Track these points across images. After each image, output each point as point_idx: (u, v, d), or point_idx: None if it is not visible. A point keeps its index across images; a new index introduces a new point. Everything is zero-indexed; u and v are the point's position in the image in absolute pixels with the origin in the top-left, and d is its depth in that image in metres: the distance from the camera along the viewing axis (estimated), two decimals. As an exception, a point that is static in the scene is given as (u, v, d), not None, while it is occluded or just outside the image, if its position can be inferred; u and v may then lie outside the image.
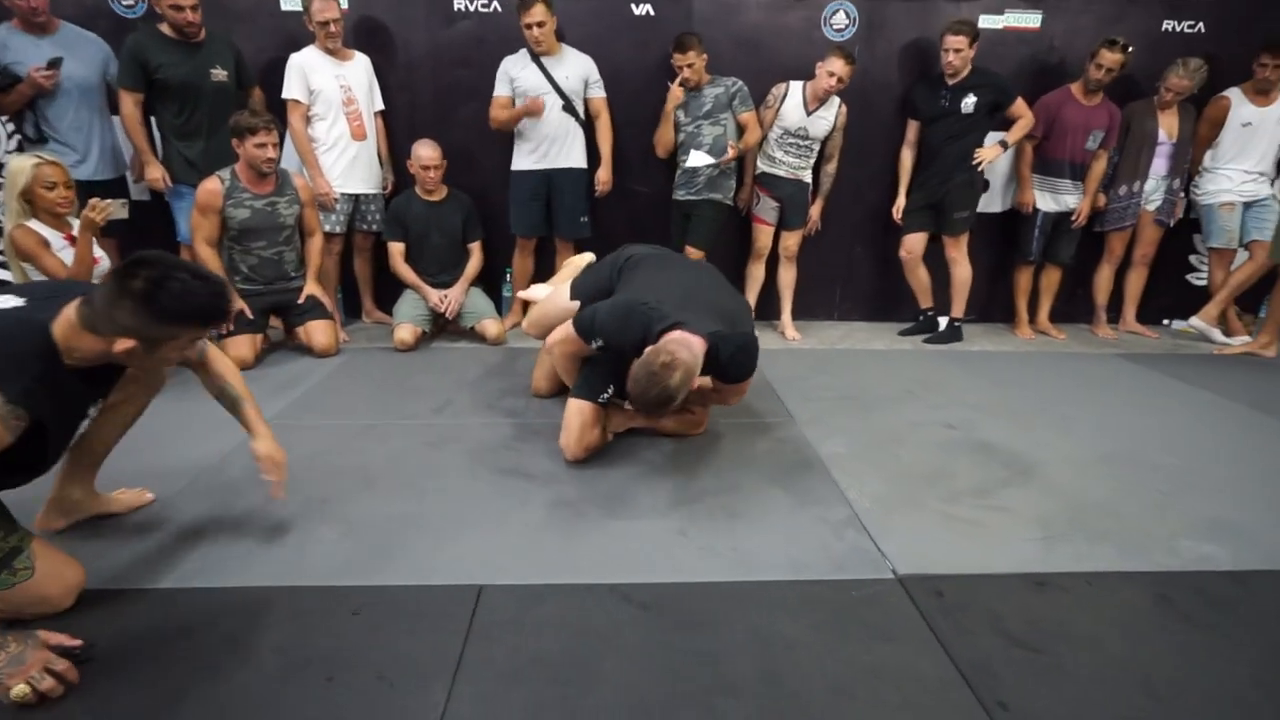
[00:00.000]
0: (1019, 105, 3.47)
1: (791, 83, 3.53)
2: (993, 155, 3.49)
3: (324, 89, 3.34)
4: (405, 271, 3.50)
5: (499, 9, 3.62)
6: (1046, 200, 3.71)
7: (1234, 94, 3.61)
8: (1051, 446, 2.39)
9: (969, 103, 3.45)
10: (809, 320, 4.03)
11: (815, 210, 3.74)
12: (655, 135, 3.60)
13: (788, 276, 3.79)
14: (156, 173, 3.25)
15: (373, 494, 2.00)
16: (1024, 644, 1.44)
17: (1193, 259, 4.10)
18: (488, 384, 2.94)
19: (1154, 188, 3.72)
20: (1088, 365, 3.41)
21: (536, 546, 1.77)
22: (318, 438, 2.35)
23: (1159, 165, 3.68)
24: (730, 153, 3.44)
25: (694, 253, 3.60)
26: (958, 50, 3.36)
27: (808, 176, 3.65)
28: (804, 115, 3.50)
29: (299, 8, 3.37)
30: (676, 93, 3.44)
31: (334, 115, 3.39)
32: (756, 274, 3.80)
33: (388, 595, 1.56)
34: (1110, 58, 3.41)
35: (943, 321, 3.79)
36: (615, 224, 3.78)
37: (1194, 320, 3.82)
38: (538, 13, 3.29)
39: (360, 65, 3.47)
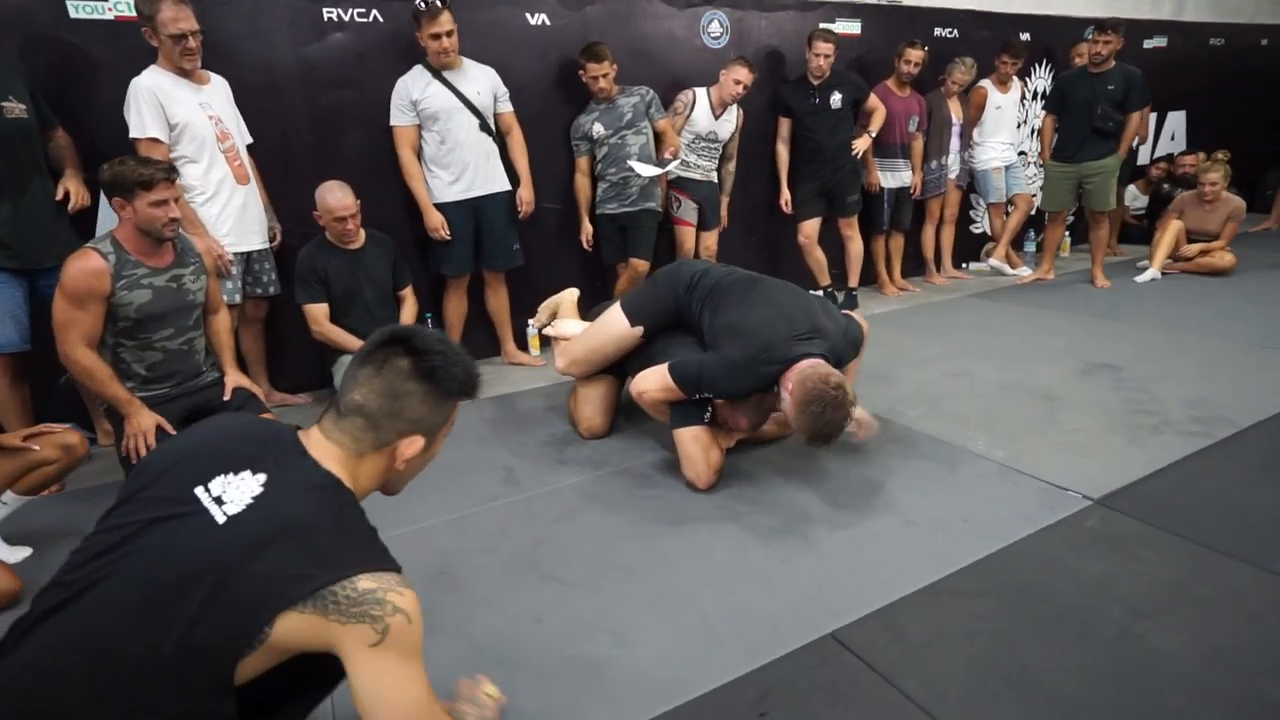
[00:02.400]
0: (872, 99, 4.06)
1: (697, 89, 3.66)
2: (865, 144, 4.04)
3: (189, 122, 2.56)
4: (340, 334, 2.87)
5: (379, 18, 3.12)
6: (888, 178, 4.39)
7: (987, 84, 4.65)
8: (1042, 373, 2.94)
9: (837, 99, 3.93)
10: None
11: (723, 208, 3.93)
12: (576, 185, 3.55)
13: None
14: None
15: (581, 591, 1.70)
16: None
17: (972, 213, 5.20)
18: (520, 439, 2.61)
19: (953, 160, 4.64)
20: (958, 307, 4.18)
21: (839, 577, 1.70)
22: (412, 550, 1.89)
23: (955, 142, 4.60)
24: (675, 162, 3.47)
25: (640, 265, 3.56)
26: (827, 55, 3.81)
27: (716, 177, 3.83)
28: (712, 120, 3.66)
29: (98, 14, 2.54)
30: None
31: (209, 156, 2.62)
32: None
33: (782, 675, 1.39)
34: (915, 55, 4.16)
35: (840, 295, 4.29)
36: (529, 246, 3.52)
37: (992, 261, 4.89)
38: (446, 21, 2.92)
39: (221, 90, 2.73)
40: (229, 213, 2.68)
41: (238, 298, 2.74)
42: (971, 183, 4.86)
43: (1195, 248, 4.59)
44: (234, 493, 0.98)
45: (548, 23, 3.47)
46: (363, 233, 2.93)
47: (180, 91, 2.56)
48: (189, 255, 2.35)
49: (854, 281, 4.28)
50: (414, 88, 3.02)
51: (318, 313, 2.85)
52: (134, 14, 2.55)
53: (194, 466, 1.02)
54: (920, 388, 2.87)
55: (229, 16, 2.83)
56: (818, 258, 4.19)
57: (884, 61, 4.34)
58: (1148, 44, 5.58)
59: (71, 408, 2.76)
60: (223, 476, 1.00)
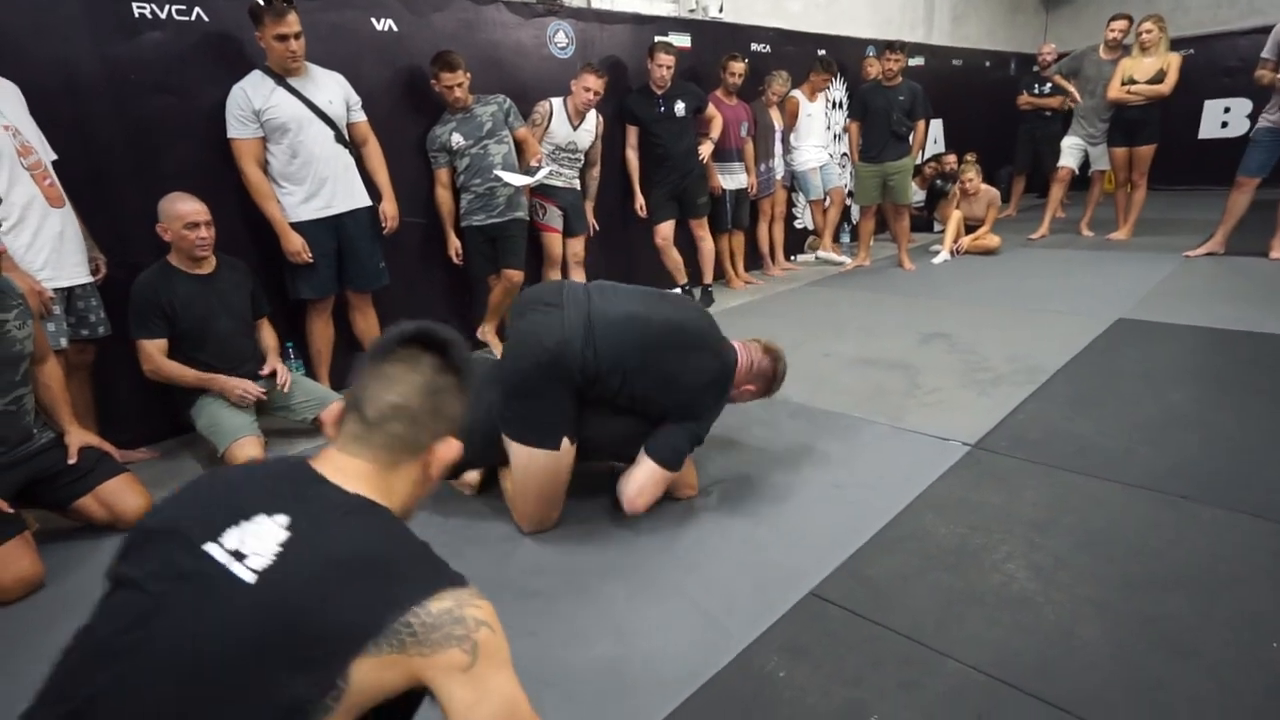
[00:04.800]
0: (711, 107, 4.35)
1: (553, 100, 3.70)
2: (709, 150, 4.32)
3: (-22, 135, 2.11)
4: (177, 369, 2.50)
5: (203, 17, 2.78)
6: (727, 181, 4.73)
7: (798, 94, 5.18)
8: (890, 346, 3.35)
9: (680, 108, 4.17)
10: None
11: (589, 214, 4.01)
12: (437, 198, 3.45)
13: (579, 280, 3.99)
14: None
15: (565, 600, 1.69)
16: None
17: (794, 210, 5.75)
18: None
19: (778, 162, 5.11)
20: (803, 295, 4.61)
21: (798, 542, 1.83)
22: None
23: (777, 146, 5.07)
24: (544, 169, 3.47)
25: (515, 275, 3.52)
26: (669, 66, 4.03)
27: (579, 185, 3.89)
28: (570, 130, 3.72)
29: None
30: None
31: (7, 174, 2.18)
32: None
33: (783, 636, 1.50)
34: (738, 67, 4.53)
35: (697, 292, 4.54)
36: (393, 263, 3.33)
37: (821, 252, 5.45)
38: (294, 21, 2.70)
39: (11, 96, 2.29)
40: (43, 241, 2.25)
41: (63, 341, 2.30)
42: (793, 182, 5.38)
43: (969, 238, 5.48)
44: (255, 543, 0.83)
45: (395, 29, 3.31)
46: (213, 255, 2.60)
47: (-43, 97, 2.10)
48: (9, 298, 1.95)
49: (708, 278, 4.56)
50: (255, 95, 2.73)
51: (152, 349, 2.48)
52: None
53: (194, 526, 0.87)
54: (798, 369, 3.11)
55: (9, 8, 2.37)
56: (674, 258, 4.40)
57: (710, 74, 4.66)
58: (911, 62, 6.54)
59: None
60: (235, 528, 0.86)
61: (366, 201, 3.07)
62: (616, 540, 1.92)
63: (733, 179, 4.73)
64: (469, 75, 3.28)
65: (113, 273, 2.57)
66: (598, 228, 4.09)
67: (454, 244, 3.52)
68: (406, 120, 3.40)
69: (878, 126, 4.86)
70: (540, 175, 3.46)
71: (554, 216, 3.79)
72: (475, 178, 3.40)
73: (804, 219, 5.78)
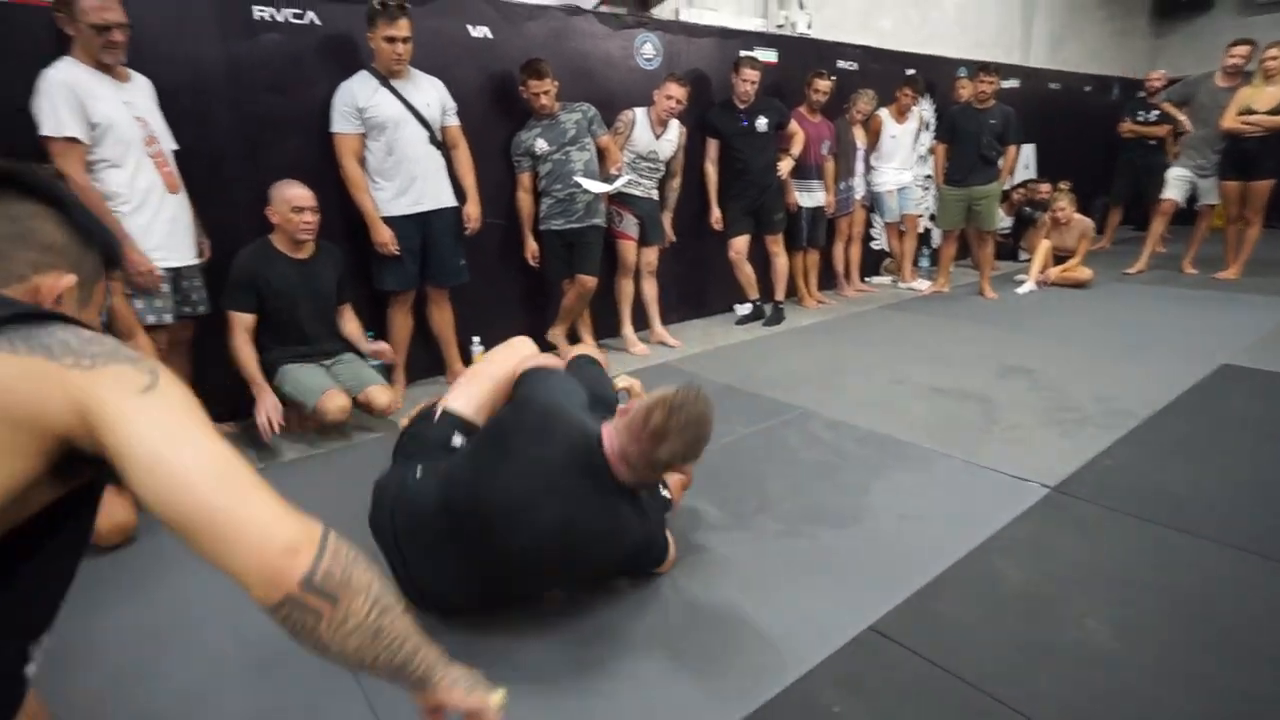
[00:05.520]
0: (793, 123, 4.31)
1: (637, 110, 3.74)
2: (789, 166, 4.27)
3: (113, 123, 2.29)
4: (248, 356, 2.62)
5: (315, 21, 2.94)
6: (805, 198, 4.66)
7: (884, 114, 5.07)
8: (968, 378, 3.23)
9: (763, 123, 4.15)
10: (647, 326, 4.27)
11: (665, 223, 4.02)
12: (518, 202, 3.54)
13: (651, 290, 4.00)
14: None
15: (622, 613, 1.68)
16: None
17: (871, 231, 5.62)
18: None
19: (858, 182, 5.01)
20: (876, 318, 4.50)
21: (858, 573, 1.78)
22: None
23: (859, 165, 4.97)
24: (623, 177, 3.51)
25: (588, 281, 3.55)
26: (753, 82, 4.01)
27: (657, 195, 3.92)
28: (652, 139, 3.75)
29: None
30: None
31: (135, 160, 2.36)
32: (628, 289, 3.93)
33: (839, 670, 1.46)
34: (823, 85, 4.47)
35: (768, 308, 4.49)
36: (472, 262, 3.41)
37: (902, 283, 5.30)
38: (405, 26, 2.83)
39: (143, 89, 2.47)
40: (158, 224, 2.42)
41: (167, 317, 2.46)
42: (872, 203, 5.26)
43: (1057, 269, 5.23)
44: None
45: (489, 36, 3.42)
46: (314, 240, 2.74)
47: (101, 88, 2.29)
48: None
49: (780, 294, 4.50)
50: (360, 94, 2.87)
51: (238, 323, 2.62)
52: (44, -2, 2.26)
53: None
54: (869, 394, 3.07)
55: (149, 9, 2.56)
56: (747, 273, 4.37)
57: (795, 90, 4.61)
58: (1005, 84, 6.31)
59: None
60: None
61: (453, 202, 3.18)
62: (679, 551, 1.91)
63: (810, 196, 4.66)
64: (557, 83, 3.36)
65: (217, 256, 2.73)
66: (674, 239, 4.09)
67: (531, 247, 3.60)
68: (495, 124, 3.50)
69: (966, 150, 4.71)
70: (619, 183, 3.50)
71: (630, 224, 3.82)
72: (556, 183, 3.47)
73: (882, 241, 5.65)
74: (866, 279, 5.51)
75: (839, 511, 2.11)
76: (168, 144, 2.51)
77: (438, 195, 3.11)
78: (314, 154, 2.95)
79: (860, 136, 4.93)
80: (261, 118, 2.88)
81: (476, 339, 3.59)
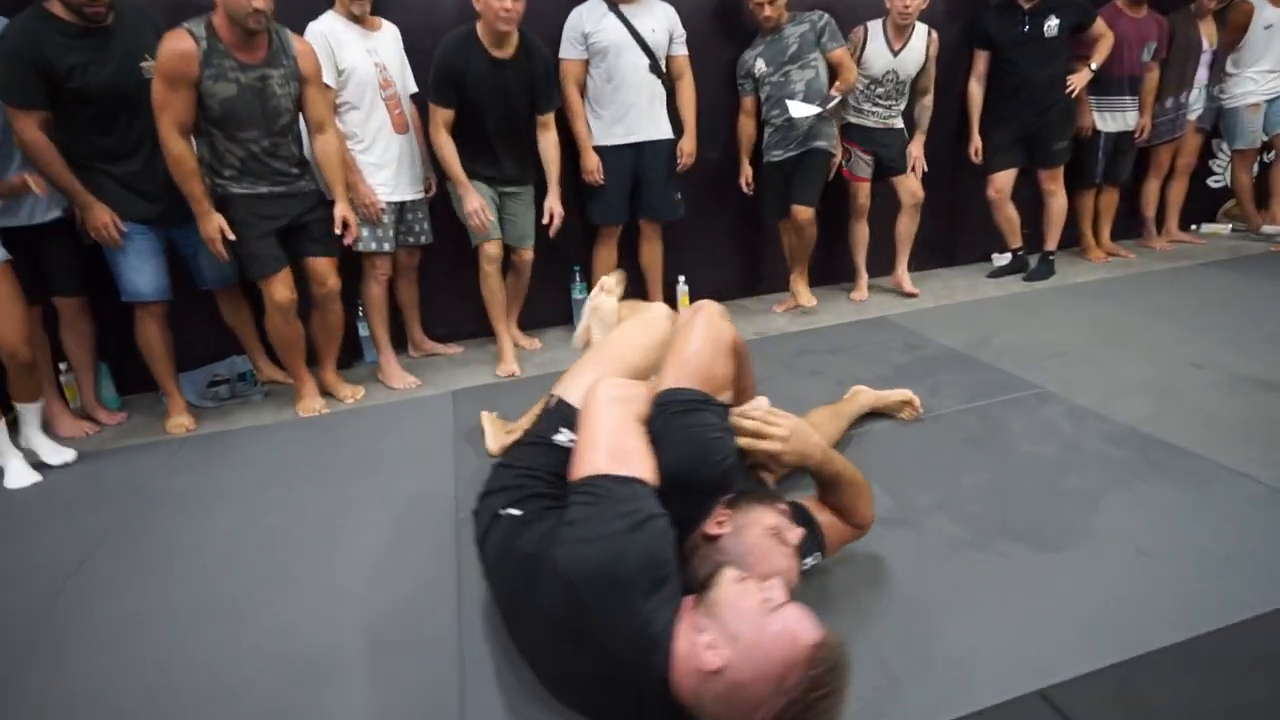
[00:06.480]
0: (1099, 24, 3.38)
1: (869, 24, 3.20)
2: (1085, 80, 3.39)
3: (355, 68, 2.56)
4: (449, 152, 2.60)
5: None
6: (1107, 121, 3.68)
7: (1254, -1, 3.74)
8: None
9: (1052, 25, 3.30)
10: (883, 275, 3.76)
11: (916, 148, 3.44)
12: (738, 127, 3.26)
13: (908, 226, 3.48)
14: (105, 217, 2.31)
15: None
16: None
17: (1211, 163, 4.30)
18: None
19: (1196, 96, 3.81)
20: (1191, 279, 3.47)
21: (1049, 615, 1.38)
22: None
23: (1202, 73, 3.77)
24: (836, 98, 3.06)
25: (801, 212, 3.18)
26: (1046, -29, 3.19)
27: (899, 122, 3.35)
28: (890, 57, 3.18)
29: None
30: None
31: (369, 102, 2.61)
32: (862, 233, 3.50)
33: None
34: (1156, -33, 3.39)
35: (1033, 259, 3.70)
36: (687, 198, 3.26)
37: (1267, 227, 3.98)
38: None
39: (390, 36, 2.70)
40: (386, 161, 2.68)
41: (387, 246, 2.74)
42: (1215, 124, 3.98)
43: None
44: None
45: (712, -55, 3.14)
46: (517, 34, 2.58)
47: (349, 37, 2.55)
48: (282, 57, 2.28)
49: (1052, 244, 3.67)
50: (588, 19, 2.85)
51: (438, 117, 2.59)
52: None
53: None
54: (1147, 378, 2.37)
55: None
56: (1009, 215, 3.63)
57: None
58: None
59: (234, 348, 2.95)
60: None
61: (668, 134, 3.07)
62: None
63: (1115, 118, 3.67)
64: None
65: (440, 191, 2.94)
66: (926, 169, 3.49)
67: (746, 172, 3.33)
68: (717, 44, 3.25)
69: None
70: (831, 104, 3.04)
71: (859, 164, 3.34)
72: (774, 109, 3.15)
73: (1224, 176, 4.29)
74: (1194, 227, 4.26)
75: (1050, 527, 1.65)
76: (404, 87, 2.73)
77: (653, 126, 3.01)
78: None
79: (1209, 33, 3.71)
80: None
81: (681, 279, 3.50)
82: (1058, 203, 3.60)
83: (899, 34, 3.16)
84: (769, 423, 1.29)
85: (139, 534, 1.92)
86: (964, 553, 1.59)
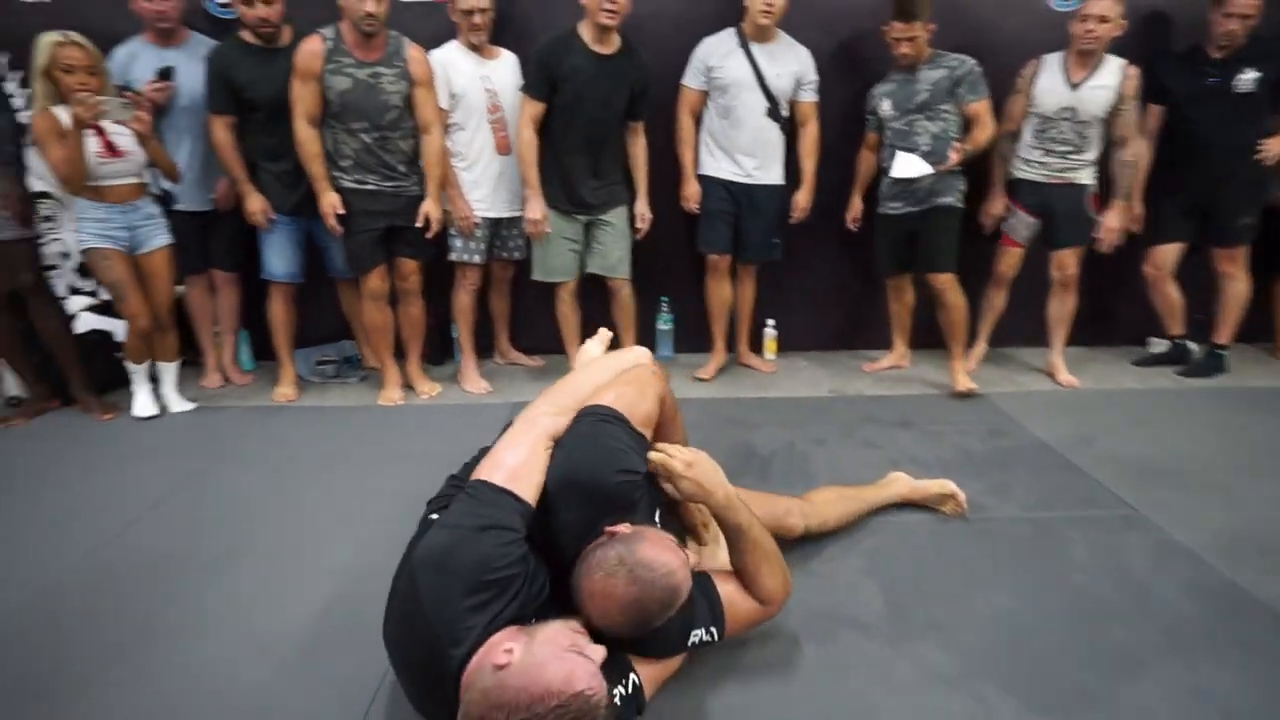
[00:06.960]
0: (1313, 80, 2.80)
1: (1045, 56, 2.85)
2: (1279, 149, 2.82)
3: (466, 93, 2.76)
4: (530, 150, 2.66)
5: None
6: (1317, 196, 3.03)
7: None
8: None
9: (1247, 80, 2.80)
10: (1009, 347, 3.36)
11: (1113, 217, 2.86)
12: (858, 158, 3.05)
13: (1062, 307, 3.02)
14: (258, 205, 2.74)
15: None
16: None
17: None
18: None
19: None
20: None
21: None
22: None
23: None
24: (953, 157, 2.75)
25: (940, 279, 2.88)
26: (1246, 15, 2.71)
27: (1083, 177, 2.87)
28: (1067, 91, 2.77)
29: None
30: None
31: (475, 124, 2.81)
32: (998, 303, 3.15)
33: None
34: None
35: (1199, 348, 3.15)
36: (795, 240, 3.14)
37: None
38: None
39: (508, 65, 2.86)
40: (485, 179, 2.87)
41: (477, 258, 2.93)
42: None
43: None
44: None
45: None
46: (619, 35, 2.62)
47: (465, 64, 2.76)
48: (395, 58, 2.56)
49: (1225, 337, 3.08)
50: (714, 53, 2.86)
51: (529, 110, 2.65)
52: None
53: None
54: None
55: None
56: (1169, 296, 3.11)
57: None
58: None
59: (343, 332, 3.26)
60: None
61: (778, 180, 2.99)
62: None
63: (1332, 189, 3.01)
64: (929, 30, 2.71)
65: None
66: (1119, 240, 2.91)
67: (855, 207, 3.10)
68: (835, 81, 3.05)
69: None
70: (945, 165, 2.75)
71: (1019, 227, 2.98)
72: (890, 160, 2.92)
73: None
74: None
75: (1061, 686, 1.39)
76: (513, 112, 2.88)
77: (764, 170, 2.94)
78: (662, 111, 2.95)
79: None
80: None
81: (771, 322, 3.38)
82: (1237, 288, 3.02)
83: (1081, 63, 2.75)
84: (679, 450, 1.31)
85: (200, 486, 2.22)
86: (934, 692, 1.39)
